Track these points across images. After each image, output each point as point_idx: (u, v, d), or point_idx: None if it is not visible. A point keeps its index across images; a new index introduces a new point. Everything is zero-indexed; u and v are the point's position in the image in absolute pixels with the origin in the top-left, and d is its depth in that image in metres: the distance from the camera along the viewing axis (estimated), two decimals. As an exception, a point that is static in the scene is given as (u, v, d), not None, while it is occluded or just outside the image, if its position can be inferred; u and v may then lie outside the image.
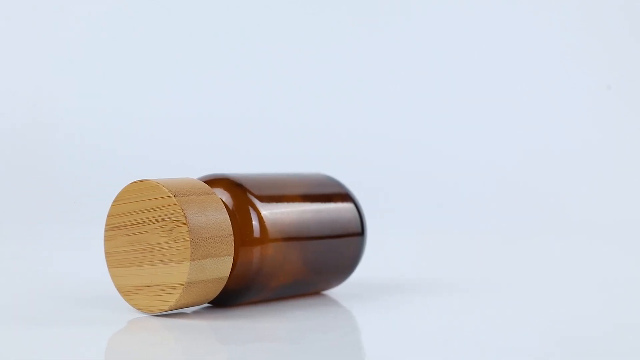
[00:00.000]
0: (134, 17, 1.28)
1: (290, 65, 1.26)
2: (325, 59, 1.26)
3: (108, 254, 0.47)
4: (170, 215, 0.45)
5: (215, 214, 0.46)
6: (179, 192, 0.45)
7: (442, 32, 1.24)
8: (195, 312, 0.47)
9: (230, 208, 0.47)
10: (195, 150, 1.19)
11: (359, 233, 0.54)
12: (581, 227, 1.00)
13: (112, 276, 0.47)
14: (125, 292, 0.46)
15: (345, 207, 0.54)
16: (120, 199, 0.46)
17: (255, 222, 0.47)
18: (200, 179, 0.49)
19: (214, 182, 0.49)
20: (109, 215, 0.47)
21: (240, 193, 0.48)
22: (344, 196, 0.55)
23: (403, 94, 1.23)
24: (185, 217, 0.44)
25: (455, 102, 1.21)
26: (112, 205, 0.46)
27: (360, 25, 1.26)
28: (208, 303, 0.48)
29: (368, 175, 1.11)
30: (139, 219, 0.46)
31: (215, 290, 0.46)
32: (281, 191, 0.51)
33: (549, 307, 0.53)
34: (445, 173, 1.15)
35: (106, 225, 0.47)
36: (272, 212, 0.48)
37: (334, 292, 0.55)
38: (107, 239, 0.47)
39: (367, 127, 1.21)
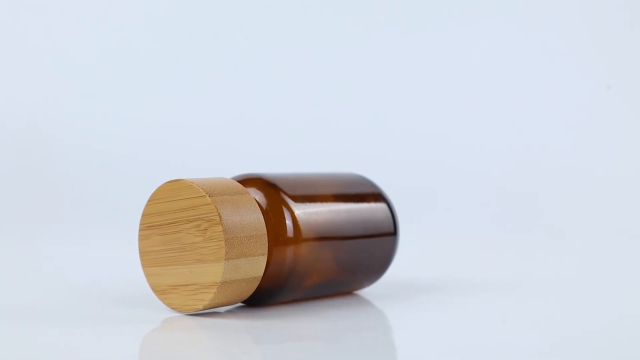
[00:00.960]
0: (142, 19, 1.28)
1: (302, 64, 1.26)
2: (338, 58, 1.26)
3: (142, 253, 0.47)
4: (205, 215, 0.45)
5: (250, 213, 0.46)
6: (214, 192, 0.45)
7: (450, 36, 1.24)
8: (228, 312, 0.48)
9: (264, 207, 0.48)
10: (215, 151, 1.19)
11: (392, 233, 0.54)
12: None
13: (147, 275, 0.47)
14: (160, 291, 0.47)
15: (378, 207, 0.54)
16: (155, 199, 0.46)
17: (288, 222, 0.48)
18: (233, 178, 0.49)
19: (247, 181, 0.49)
20: (144, 215, 0.47)
21: (273, 193, 0.48)
22: (377, 196, 0.54)
23: (425, 92, 1.23)
24: (220, 217, 0.44)
25: (477, 100, 1.21)
26: (146, 205, 0.47)
27: (362, 24, 1.26)
28: (242, 302, 0.48)
29: (398, 174, 1.11)
30: (173, 219, 0.46)
31: (249, 290, 0.46)
32: (314, 191, 0.51)
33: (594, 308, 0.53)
34: (476, 171, 1.15)
35: (140, 224, 0.47)
36: (305, 212, 0.48)
37: (367, 292, 0.55)
38: (142, 238, 0.47)
39: (394, 126, 1.21)
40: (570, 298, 0.56)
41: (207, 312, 0.47)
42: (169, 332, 0.44)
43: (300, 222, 0.48)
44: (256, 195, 0.48)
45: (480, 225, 1.03)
